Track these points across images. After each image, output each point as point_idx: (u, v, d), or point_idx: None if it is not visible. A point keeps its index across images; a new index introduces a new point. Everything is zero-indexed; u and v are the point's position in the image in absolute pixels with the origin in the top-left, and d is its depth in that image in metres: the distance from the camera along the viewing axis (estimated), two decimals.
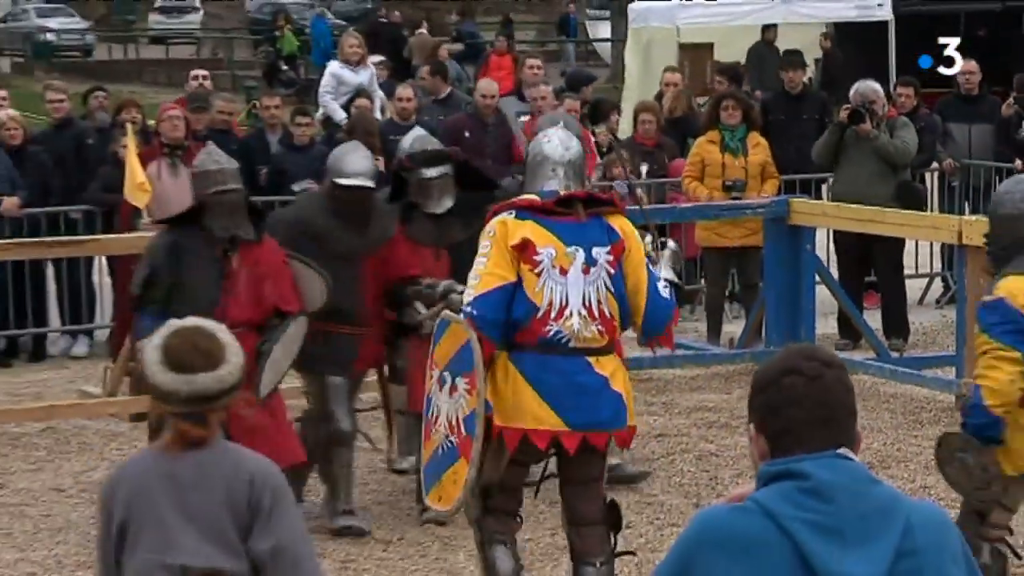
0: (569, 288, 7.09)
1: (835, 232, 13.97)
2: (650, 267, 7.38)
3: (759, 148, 13.61)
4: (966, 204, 15.18)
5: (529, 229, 7.13)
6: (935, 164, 15.27)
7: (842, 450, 3.70)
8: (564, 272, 7.10)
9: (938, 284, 15.55)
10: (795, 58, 16.70)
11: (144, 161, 12.26)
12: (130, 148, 12.14)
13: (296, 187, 13.55)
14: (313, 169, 13.44)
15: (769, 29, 24.35)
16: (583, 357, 7.13)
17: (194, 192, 8.90)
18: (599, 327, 7.13)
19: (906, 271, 14.04)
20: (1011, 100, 15.31)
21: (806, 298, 12.44)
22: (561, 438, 7.15)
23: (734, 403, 11.39)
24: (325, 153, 13.71)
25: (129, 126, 13.08)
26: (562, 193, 7.30)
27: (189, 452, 4.91)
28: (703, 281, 14.45)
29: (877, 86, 13.75)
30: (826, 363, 3.74)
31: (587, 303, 7.11)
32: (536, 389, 7.12)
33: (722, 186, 13.41)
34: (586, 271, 7.12)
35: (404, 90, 15.44)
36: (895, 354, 12.83)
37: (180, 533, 4.85)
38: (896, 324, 13.55)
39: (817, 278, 12.60)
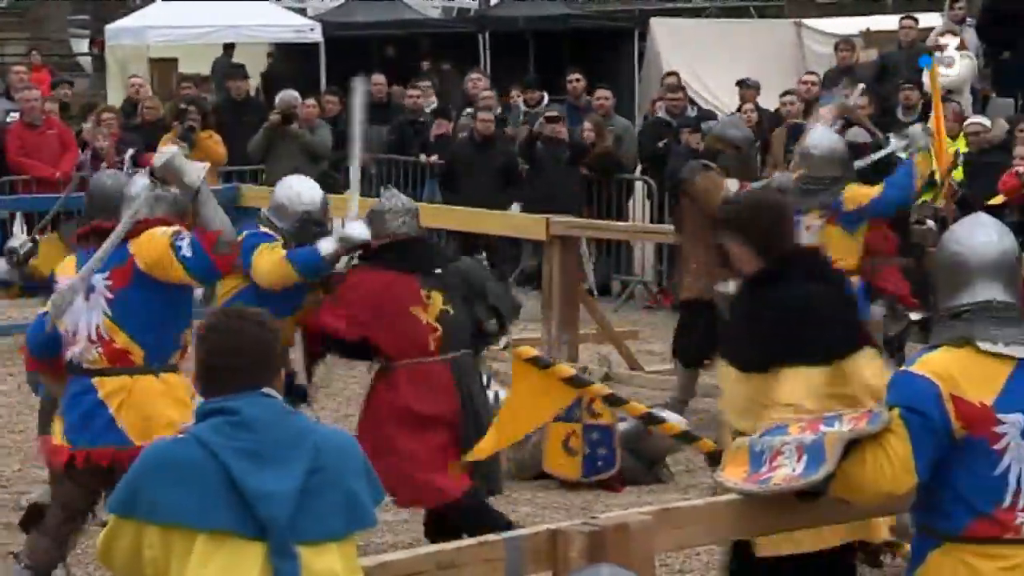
0: (79, 315, 6.21)
1: None
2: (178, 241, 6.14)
3: (211, 141, 13.57)
4: (382, 189, 15.36)
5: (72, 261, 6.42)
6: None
7: (266, 389, 3.70)
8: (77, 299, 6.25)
9: None
10: (239, 71, 16.78)
11: None
12: None
13: None
14: None
15: (229, 47, 24.37)
16: (88, 378, 6.24)
17: None
18: (99, 350, 6.21)
19: None
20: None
21: None
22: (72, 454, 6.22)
23: None
24: None
25: None
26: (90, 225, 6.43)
27: None
28: None
29: (296, 94, 14.04)
30: (245, 319, 3.71)
31: (89, 329, 6.21)
32: (61, 407, 6.30)
33: None
34: (87, 298, 6.21)
35: None
36: None
37: None
38: None
39: None
